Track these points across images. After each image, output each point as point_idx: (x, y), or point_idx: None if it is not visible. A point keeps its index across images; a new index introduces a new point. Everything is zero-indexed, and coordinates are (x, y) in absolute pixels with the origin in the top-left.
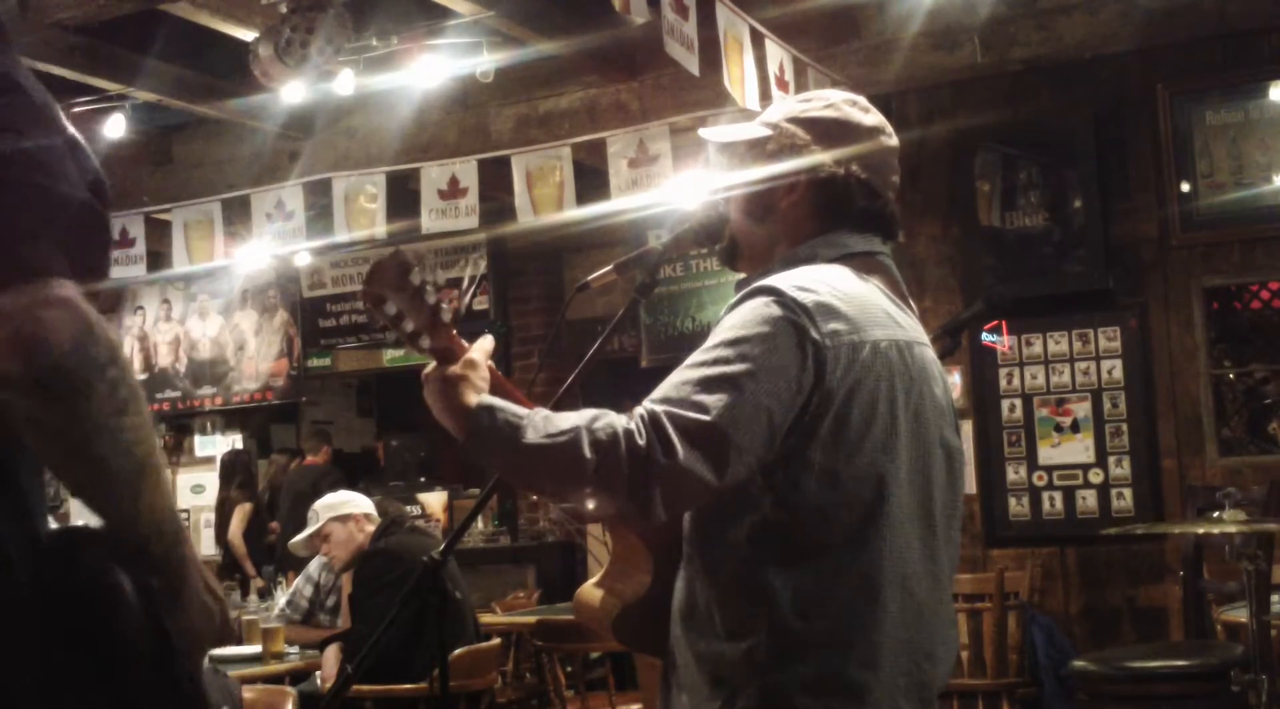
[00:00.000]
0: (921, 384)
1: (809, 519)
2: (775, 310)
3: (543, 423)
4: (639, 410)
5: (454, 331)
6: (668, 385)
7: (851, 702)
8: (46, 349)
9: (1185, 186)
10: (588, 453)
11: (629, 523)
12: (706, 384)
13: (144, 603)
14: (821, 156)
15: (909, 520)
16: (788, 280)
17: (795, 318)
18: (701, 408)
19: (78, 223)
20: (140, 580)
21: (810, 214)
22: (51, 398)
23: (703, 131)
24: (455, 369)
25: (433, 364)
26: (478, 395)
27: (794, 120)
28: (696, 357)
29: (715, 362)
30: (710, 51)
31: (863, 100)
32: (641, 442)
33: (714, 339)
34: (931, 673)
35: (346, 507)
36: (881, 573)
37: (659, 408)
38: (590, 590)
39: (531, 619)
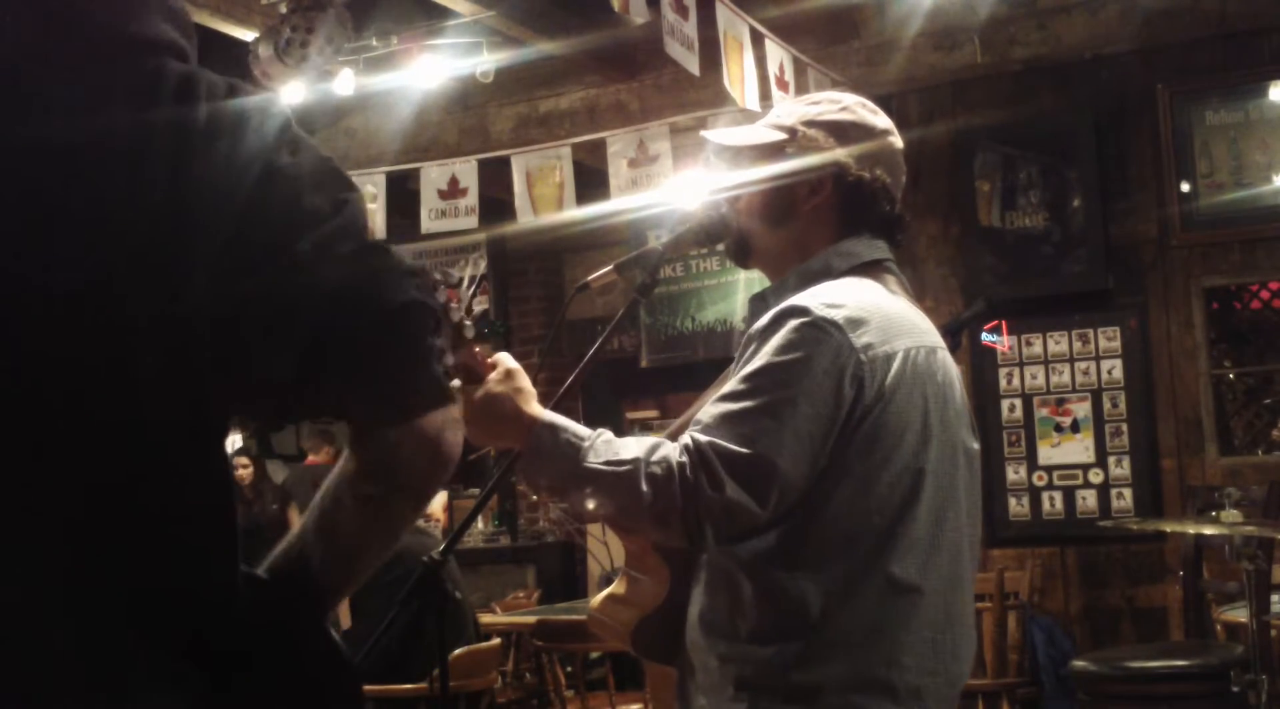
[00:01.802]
0: (945, 389)
1: (840, 524)
2: (809, 332)
3: (604, 448)
4: (686, 442)
5: (476, 348)
6: (709, 416)
7: (879, 701)
8: (448, 473)
9: (1185, 187)
10: (644, 487)
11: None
12: (747, 416)
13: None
14: (847, 159)
15: (936, 522)
16: (815, 298)
17: (829, 336)
18: (744, 440)
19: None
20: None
21: (833, 217)
22: (420, 508)
23: (706, 134)
24: (505, 383)
25: (458, 382)
26: (539, 409)
27: (811, 123)
28: (735, 385)
29: (754, 391)
30: (710, 51)
31: (869, 102)
32: (690, 477)
33: (751, 365)
34: (957, 671)
35: None
36: (909, 574)
37: (704, 441)
38: (604, 602)
39: (531, 619)
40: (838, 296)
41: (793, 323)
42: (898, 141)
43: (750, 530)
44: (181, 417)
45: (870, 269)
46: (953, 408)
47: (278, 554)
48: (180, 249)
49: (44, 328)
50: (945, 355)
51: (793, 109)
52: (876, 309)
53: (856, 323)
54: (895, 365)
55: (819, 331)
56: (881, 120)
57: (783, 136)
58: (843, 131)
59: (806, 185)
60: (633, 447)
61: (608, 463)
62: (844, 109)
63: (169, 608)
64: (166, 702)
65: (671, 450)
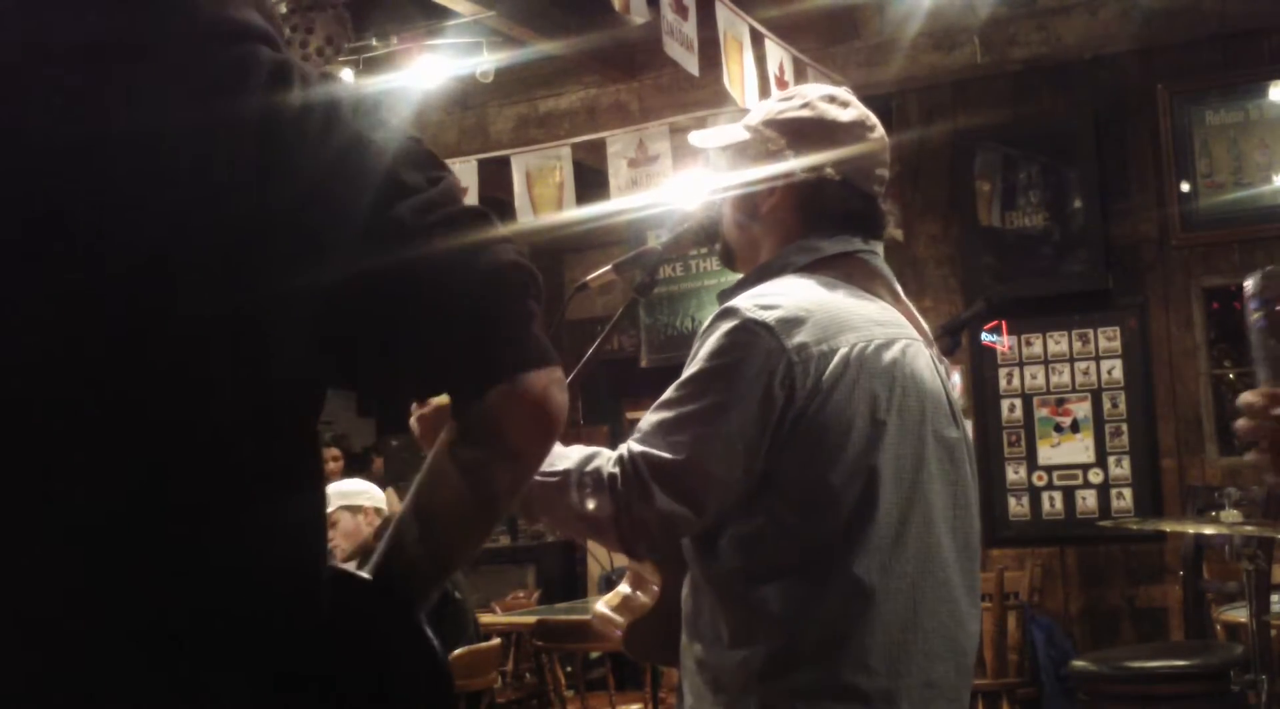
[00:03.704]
0: (905, 381)
1: (798, 528)
2: (738, 335)
3: None
4: (622, 451)
5: None
6: (647, 424)
7: (848, 706)
8: (554, 435)
9: (1185, 187)
10: (574, 497)
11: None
12: (678, 423)
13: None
14: (793, 161)
15: (900, 520)
16: (750, 299)
17: (758, 339)
18: (674, 447)
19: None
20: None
21: (792, 217)
22: (525, 476)
23: (692, 137)
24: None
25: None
26: None
27: (770, 123)
28: (670, 393)
29: (685, 398)
30: (710, 51)
31: (843, 94)
32: (621, 488)
33: (686, 371)
34: (936, 673)
35: (359, 497)
36: (871, 575)
37: (637, 450)
38: (604, 605)
39: (531, 619)
40: (774, 297)
41: (724, 326)
42: (871, 133)
43: (688, 533)
44: (272, 402)
45: (835, 263)
46: (917, 399)
47: (380, 547)
48: (274, 235)
49: (136, 318)
50: (908, 346)
51: (764, 107)
52: (817, 306)
53: (790, 323)
54: (834, 363)
55: (748, 335)
56: (849, 113)
57: (746, 136)
58: (797, 130)
59: (764, 187)
60: (570, 456)
61: (541, 474)
62: (805, 106)
63: (248, 608)
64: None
65: (604, 461)
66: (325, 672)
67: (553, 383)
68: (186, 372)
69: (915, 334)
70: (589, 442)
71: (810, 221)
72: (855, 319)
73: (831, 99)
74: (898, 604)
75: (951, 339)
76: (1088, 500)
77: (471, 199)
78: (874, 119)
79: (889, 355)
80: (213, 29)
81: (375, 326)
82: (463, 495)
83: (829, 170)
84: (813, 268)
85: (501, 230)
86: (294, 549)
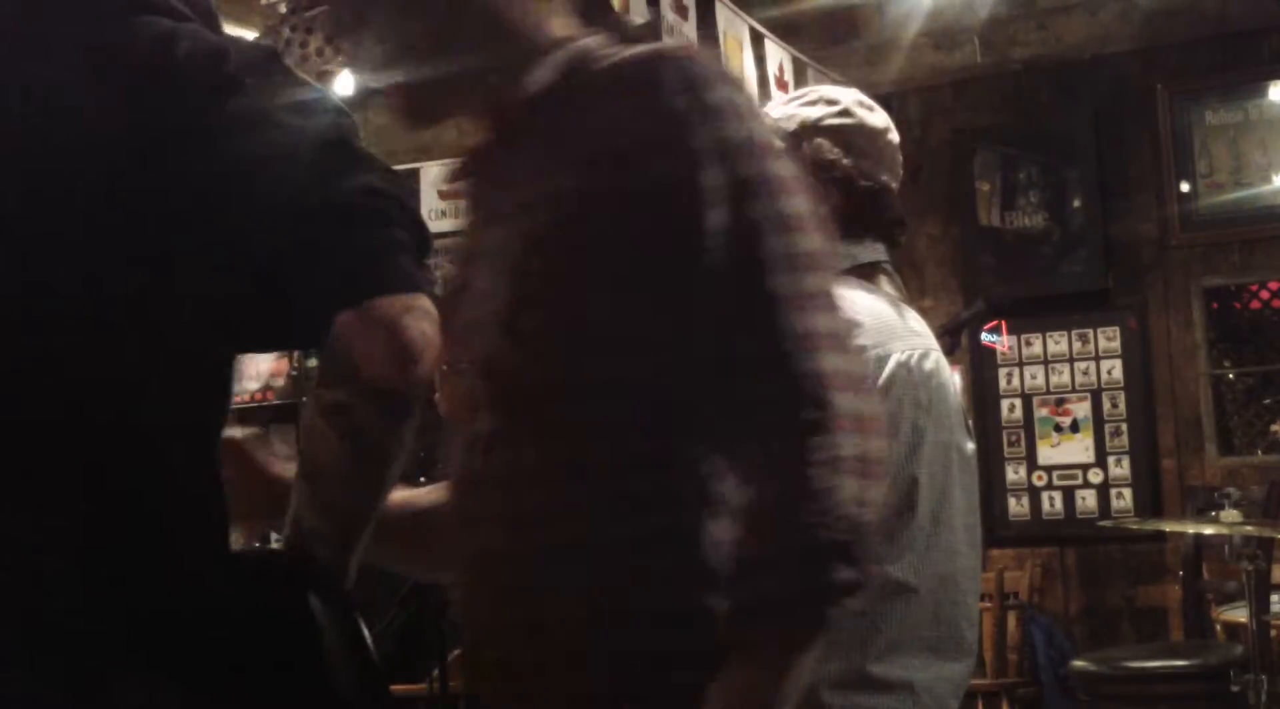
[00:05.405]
0: (941, 391)
1: None
2: None
3: None
4: None
5: None
6: None
7: (874, 697)
8: (413, 367)
9: (1184, 186)
10: None
11: None
12: None
13: (344, 621)
14: (853, 168)
15: (932, 522)
16: None
17: None
18: None
19: (425, 244)
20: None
21: (834, 224)
22: (397, 413)
23: None
24: None
25: None
26: None
27: (814, 129)
28: None
29: None
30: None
31: (865, 98)
32: None
33: None
34: (953, 670)
35: None
36: (906, 575)
37: None
38: None
39: None
40: None
41: None
42: (895, 137)
43: None
44: (168, 381)
45: (864, 271)
46: (947, 409)
47: (286, 518)
48: (156, 191)
49: (24, 317)
50: (939, 357)
51: (790, 112)
52: (870, 313)
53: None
54: (887, 370)
55: None
56: (879, 118)
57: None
58: (846, 138)
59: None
60: None
61: None
62: (844, 113)
63: (150, 594)
64: (148, 693)
65: None
66: (233, 653)
67: (411, 310)
68: (91, 345)
69: (937, 344)
70: None
71: (850, 228)
72: (899, 329)
73: (861, 103)
74: (925, 604)
75: (951, 339)
76: (1087, 500)
77: None
78: (890, 122)
79: (929, 365)
80: (99, 5)
81: (226, 260)
82: (334, 445)
83: (884, 176)
84: (847, 273)
85: (369, 155)
86: (198, 533)
